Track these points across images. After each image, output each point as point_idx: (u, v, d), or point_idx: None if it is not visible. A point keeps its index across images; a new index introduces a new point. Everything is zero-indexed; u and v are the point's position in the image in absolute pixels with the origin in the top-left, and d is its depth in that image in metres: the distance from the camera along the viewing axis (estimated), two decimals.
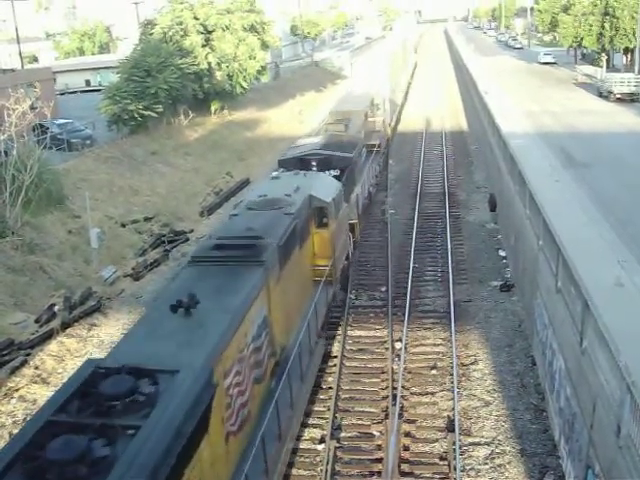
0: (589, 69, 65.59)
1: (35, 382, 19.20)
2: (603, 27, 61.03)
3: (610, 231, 18.25)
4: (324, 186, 20.76)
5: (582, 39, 65.44)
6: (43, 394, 18.66)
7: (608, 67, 63.38)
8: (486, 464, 15.17)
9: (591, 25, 62.92)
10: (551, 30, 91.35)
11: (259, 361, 13.27)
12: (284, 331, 15.34)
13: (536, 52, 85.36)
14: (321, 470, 15.04)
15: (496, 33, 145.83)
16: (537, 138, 31.84)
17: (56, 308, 22.81)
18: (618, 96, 46.94)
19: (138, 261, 27.62)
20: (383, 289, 24.56)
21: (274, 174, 22.07)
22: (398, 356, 19.65)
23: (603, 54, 64.74)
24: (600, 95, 49.59)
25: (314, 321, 17.24)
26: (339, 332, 21.36)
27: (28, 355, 20.28)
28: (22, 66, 59.26)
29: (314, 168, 23.93)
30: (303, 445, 16.20)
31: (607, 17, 60.57)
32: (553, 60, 76.35)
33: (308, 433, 16.64)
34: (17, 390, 18.77)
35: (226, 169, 42.79)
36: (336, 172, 23.96)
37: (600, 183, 24.25)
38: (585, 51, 75.83)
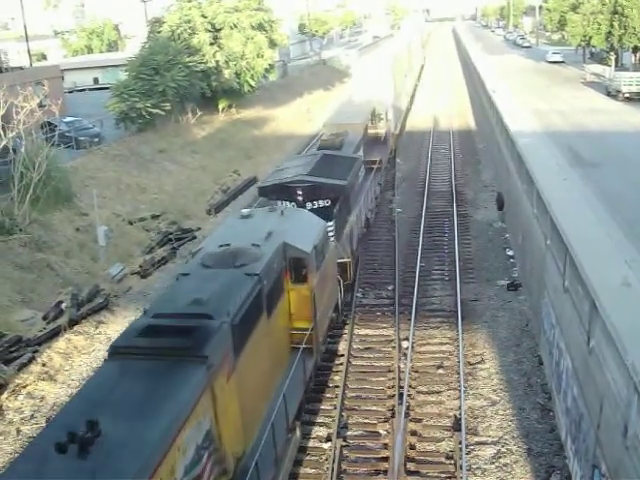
0: (597, 68, 65.35)
1: (43, 379, 19.29)
2: (612, 26, 60.74)
3: (617, 230, 18.18)
4: (304, 229, 17.34)
5: (591, 38, 65.16)
6: (51, 391, 18.76)
7: (617, 66, 63.11)
8: (492, 463, 15.16)
9: (600, 24, 62.63)
10: (559, 29, 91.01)
11: None
12: (241, 436, 11.88)
13: (544, 51, 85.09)
14: (327, 468, 15.04)
15: (504, 32, 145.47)
16: (545, 137, 31.74)
17: (63, 305, 22.89)
18: (627, 95, 46.73)
19: (145, 259, 27.68)
20: (390, 287, 24.54)
21: (244, 212, 17.98)
22: (405, 355, 19.65)
23: (612, 53, 64.49)
24: (608, 94, 49.39)
25: (283, 413, 13.55)
26: (346, 331, 21.36)
27: (36, 352, 20.36)
28: (30, 64, 59.37)
29: (300, 198, 20.72)
30: (309, 443, 16.21)
31: (616, 16, 60.27)
32: (561, 59, 76.08)
33: (314, 431, 16.65)
34: (25, 387, 18.85)
35: (233, 167, 42.83)
36: (326, 202, 20.96)
37: (608, 182, 24.17)
38: (594, 50, 75.52)
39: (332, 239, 20.08)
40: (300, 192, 20.78)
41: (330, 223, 20.05)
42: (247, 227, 16.71)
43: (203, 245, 16.16)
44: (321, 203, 20.89)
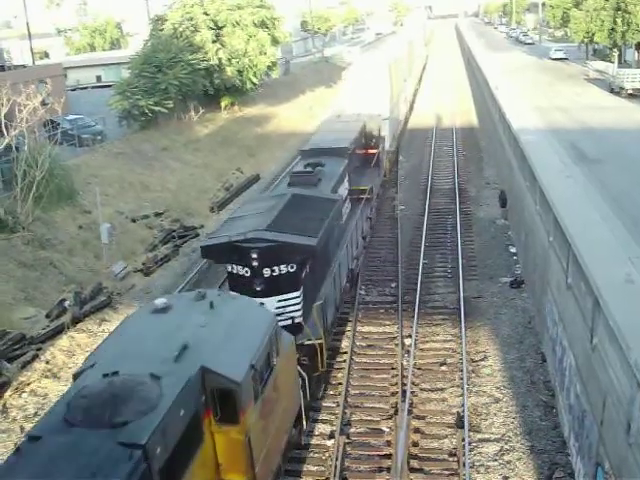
0: (600, 65, 65.13)
1: (46, 377, 19.33)
2: (615, 22, 60.51)
3: (621, 227, 18.15)
4: (240, 336, 12.11)
5: (594, 35, 64.94)
6: (54, 388, 18.79)
7: (620, 63, 62.87)
8: (495, 460, 15.17)
9: (603, 20, 62.41)
10: (562, 25, 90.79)
11: None
12: None
13: (547, 48, 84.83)
14: (330, 465, 15.06)
15: (507, 28, 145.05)
16: (548, 134, 31.68)
17: (67, 303, 22.92)
18: (630, 92, 46.59)
19: (148, 256, 27.70)
20: (393, 285, 24.54)
21: (159, 303, 12.67)
22: (408, 352, 19.65)
23: (615, 50, 64.31)
24: (612, 91, 49.25)
25: None
26: (349, 328, 21.36)
27: (39, 350, 20.41)
28: (33, 62, 59.42)
29: (254, 263, 15.95)
30: (313, 441, 16.23)
31: (619, 12, 60.03)
32: (564, 56, 75.87)
33: (317, 429, 16.67)
34: (28, 384, 18.90)
35: (236, 165, 42.82)
36: (290, 268, 16.31)
37: (611, 179, 24.12)
38: (597, 47, 75.33)
39: (298, 314, 16.46)
40: (255, 255, 15.90)
41: (295, 294, 16.33)
42: (156, 332, 11.85)
43: (86, 367, 11.25)
44: (283, 269, 16.18)
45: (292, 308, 16.35)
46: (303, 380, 15.13)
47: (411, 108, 60.22)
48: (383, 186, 33.58)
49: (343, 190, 23.51)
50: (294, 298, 16.36)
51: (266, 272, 16.02)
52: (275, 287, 16.08)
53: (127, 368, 10.47)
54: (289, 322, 16.03)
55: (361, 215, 24.48)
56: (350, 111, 34.77)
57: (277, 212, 17.62)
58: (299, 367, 15.06)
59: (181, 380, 10.39)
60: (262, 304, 14.38)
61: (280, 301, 16.19)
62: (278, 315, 15.02)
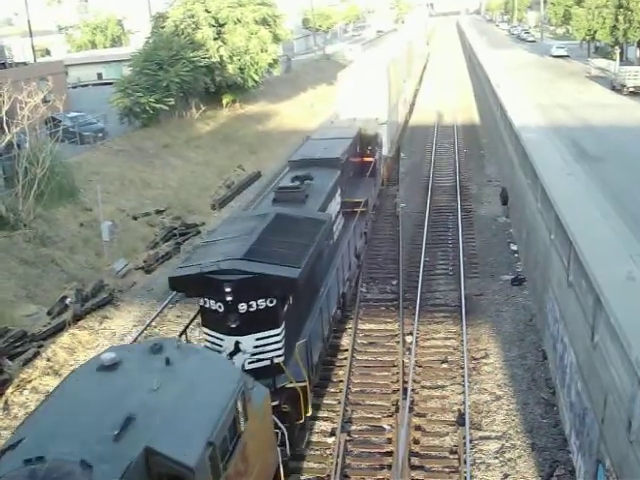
0: (602, 62, 65.05)
1: (47, 374, 19.35)
2: (617, 20, 60.47)
3: (622, 225, 18.15)
4: (198, 404, 10.07)
5: (595, 32, 64.95)
6: (55, 386, 18.79)
7: (621, 60, 62.80)
8: (496, 458, 15.18)
9: (605, 18, 62.40)
10: (564, 23, 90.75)
11: None
12: None
13: (549, 45, 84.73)
14: (331, 463, 15.08)
15: (508, 26, 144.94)
16: (549, 131, 31.65)
17: (68, 300, 22.95)
18: (631, 89, 46.57)
19: (150, 254, 27.73)
20: (394, 282, 24.54)
21: (106, 358, 10.61)
22: (409, 350, 19.65)
23: (616, 47, 64.23)
24: (613, 88, 49.23)
25: None
26: (350, 325, 21.37)
27: (40, 347, 20.44)
28: (34, 59, 59.41)
29: (228, 298, 13.93)
30: (314, 438, 16.24)
31: (621, 10, 60.00)
32: (566, 53, 75.82)
33: (319, 426, 16.68)
34: (30, 382, 18.92)
35: (238, 162, 42.85)
36: (269, 302, 14.24)
37: (613, 177, 24.11)
38: (598, 44, 75.25)
39: (278, 354, 14.50)
40: (229, 289, 13.84)
41: (275, 332, 14.41)
42: (98, 399, 9.88)
43: (9, 444, 9.27)
44: (261, 303, 14.17)
45: (272, 347, 14.40)
46: (282, 434, 13.12)
47: (411, 110, 57.83)
48: (380, 196, 31.76)
49: (334, 206, 21.58)
50: (274, 336, 14.41)
51: (242, 307, 14.05)
52: (252, 324, 14.18)
53: (57, 449, 8.68)
54: (268, 363, 14.27)
55: (354, 232, 22.25)
56: (345, 116, 33.50)
57: (256, 237, 15.42)
58: (278, 417, 13.18)
59: (118, 468, 8.38)
60: (237, 344, 13.47)
61: (258, 339, 14.29)
62: (256, 354, 14.03)
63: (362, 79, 35.34)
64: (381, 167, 31.84)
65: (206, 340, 14.86)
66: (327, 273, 18.51)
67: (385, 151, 33.77)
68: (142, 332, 21.61)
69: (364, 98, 33.95)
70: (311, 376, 15.27)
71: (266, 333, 14.36)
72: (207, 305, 14.49)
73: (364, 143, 28.84)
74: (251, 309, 14.11)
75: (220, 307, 14.16)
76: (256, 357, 14.13)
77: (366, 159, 28.36)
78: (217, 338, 14.45)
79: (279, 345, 14.52)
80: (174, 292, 21.71)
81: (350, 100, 34.64)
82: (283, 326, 14.60)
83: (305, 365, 14.84)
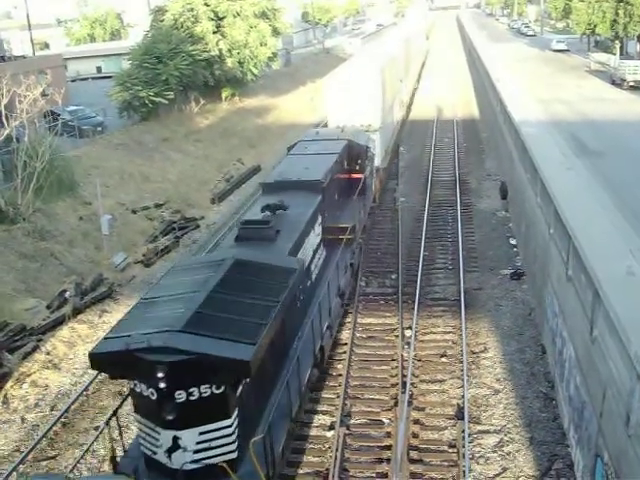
0: (602, 56, 64.94)
1: (47, 367, 19.39)
2: (617, 14, 60.35)
3: (622, 220, 18.15)
4: None
5: (595, 26, 64.77)
6: (55, 379, 18.85)
7: (622, 54, 62.66)
8: (495, 452, 15.20)
9: (605, 12, 62.24)
10: (564, 17, 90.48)
11: None
12: None
13: (549, 39, 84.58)
14: (330, 457, 15.09)
15: (508, 20, 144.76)
16: (549, 126, 31.62)
17: (67, 294, 22.99)
18: (631, 84, 46.51)
19: (149, 247, 27.74)
20: (393, 276, 24.55)
21: None
22: (408, 344, 19.67)
23: (616, 41, 64.13)
24: (613, 83, 49.17)
25: None
26: (349, 319, 21.38)
27: (40, 341, 20.48)
28: (33, 53, 59.35)
29: (162, 385, 10.76)
30: (312, 432, 16.26)
31: (621, 4, 59.87)
32: (566, 47, 75.72)
33: (317, 420, 16.71)
34: (29, 375, 18.96)
35: (237, 156, 42.82)
36: (216, 389, 11.08)
37: (613, 171, 24.11)
38: (598, 38, 75.13)
39: (229, 451, 11.50)
40: (161, 373, 10.66)
41: (225, 424, 11.36)
42: None
43: None
44: (206, 390, 11.06)
45: (220, 442, 11.38)
46: None
47: (408, 112, 54.60)
48: (371, 216, 28.33)
49: (313, 239, 18.42)
50: (223, 429, 11.35)
51: (180, 396, 10.93)
52: (194, 415, 11.12)
53: None
54: (215, 462, 11.28)
55: (337, 267, 19.11)
56: (335, 122, 30.65)
57: (204, 296, 12.09)
58: None
59: None
60: (176, 440, 11.06)
61: (203, 434, 11.23)
62: (200, 452, 11.23)
63: (353, 82, 31.66)
64: (372, 182, 28.49)
65: (140, 430, 12.00)
66: (300, 329, 15.49)
67: (378, 162, 30.64)
68: None
69: (355, 104, 30.72)
70: (271, 473, 12.02)
71: (213, 426, 11.26)
72: (137, 389, 11.35)
73: (352, 157, 25.16)
74: (192, 397, 11.00)
75: (152, 394, 10.98)
76: (200, 455, 11.26)
77: (354, 176, 24.79)
78: (152, 430, 11.43)
79: (230, 440, 11.47)
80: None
81: (340, 106, 31.30)
82: (235, 416, 11.51)
83: (264, 466, 11.56)
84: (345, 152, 24.33)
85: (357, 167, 25.19)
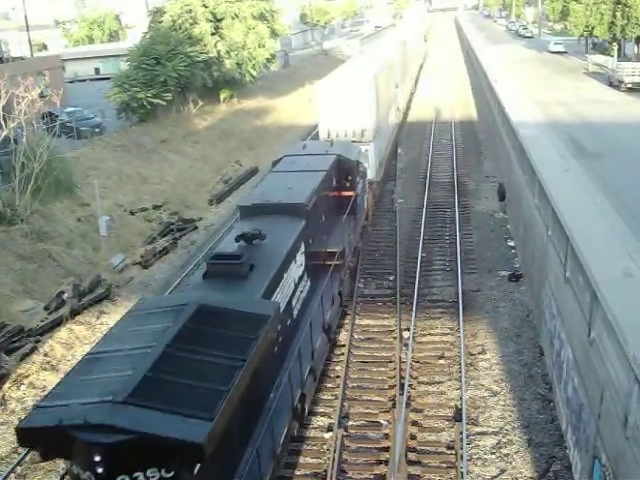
0: (600, 58, 64.98)
1: (44, 369, 19.35)
2: (615, 16, 60.39)
3: (620, 222, 18.15)
4: None
5: (593, 28, 64.82)
6: (52, 381, 18.75)
7: (619, 56, 62.74)
8: (493, 453, 15.20)
9: (602, 14, 62.29)
10: (562, 19, 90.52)
11: None
12: None
13: (546, 41, 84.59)
14: (328, 458, 15.09)
15: (506, 22, 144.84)
16: (547, 127, 31.62)
17: (65, 295, 22.95)
18: (629, 86, 46.49)
19: (147, 249, 27.72)
20: (391, 278, 24.55)
21: None
22: (406, 345, 19.67)
23: (614, 43, 64.20)
24: (611, 85, 49.17)
25: None
26: (347, 321, 21.37)
27: (37, 342, 20.44)
28: (31, 54, 59.28)
29: (99, 469, 8.90)
30: (310, 433, 16.26)
31: (619, 6, 59.91)
32: (564, 49, 75.73)
33: (315, 421, 16.70)
34: (27, 377, 18.93)
35: (235, 157, 42.80)
36: (166, 473, 9.14)
37: (610, 173, 24.09)
38: (596, 40, 75.19)
39: None
40: (98, 456, 8.87)
41: None
42: None
43: None
44: (153, 475, 9.17)
45: None
46: None
47: (406, 115, 53.46)
48: (363, 236, 26.41)
49: (294, 271, 16.40)
50: None
51: None
52: None
53: None
54: None
55: (322, 299, 17.56)
56: (325, 133, 29.43)
57: (157, 356, 10.19)
58: None
59: None
60: None
61: None
62: None
63: (345, 91, 29.77)
64: (365, 200, 26.66)
65: None
66: (277, 376, 13.83)
67: (371, 174, 28.81)
68: None
69: (347, 113, 29.28)
70: None
71: None
72: (75, 471, 9.49)
73: (342, 174, 23.10)
74: None
75: (90, 479, 9.15)
76: None
77: (345, 194, 22.93)
78: None
79: None
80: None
81: (331, 117, 29.79)
82: None
83: None
84: (334, 168, 22.36)
85: (347, 184, 23.29)
